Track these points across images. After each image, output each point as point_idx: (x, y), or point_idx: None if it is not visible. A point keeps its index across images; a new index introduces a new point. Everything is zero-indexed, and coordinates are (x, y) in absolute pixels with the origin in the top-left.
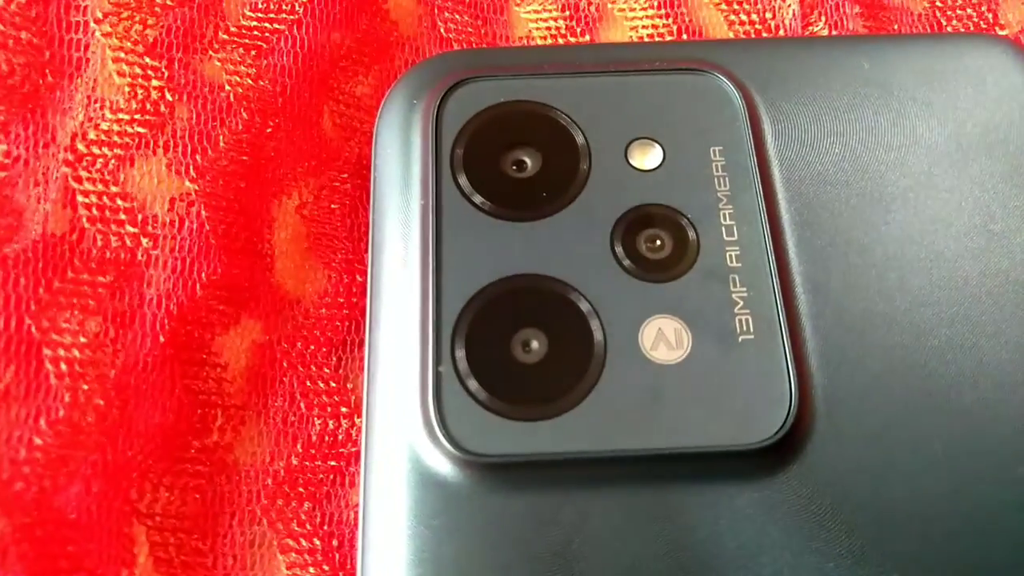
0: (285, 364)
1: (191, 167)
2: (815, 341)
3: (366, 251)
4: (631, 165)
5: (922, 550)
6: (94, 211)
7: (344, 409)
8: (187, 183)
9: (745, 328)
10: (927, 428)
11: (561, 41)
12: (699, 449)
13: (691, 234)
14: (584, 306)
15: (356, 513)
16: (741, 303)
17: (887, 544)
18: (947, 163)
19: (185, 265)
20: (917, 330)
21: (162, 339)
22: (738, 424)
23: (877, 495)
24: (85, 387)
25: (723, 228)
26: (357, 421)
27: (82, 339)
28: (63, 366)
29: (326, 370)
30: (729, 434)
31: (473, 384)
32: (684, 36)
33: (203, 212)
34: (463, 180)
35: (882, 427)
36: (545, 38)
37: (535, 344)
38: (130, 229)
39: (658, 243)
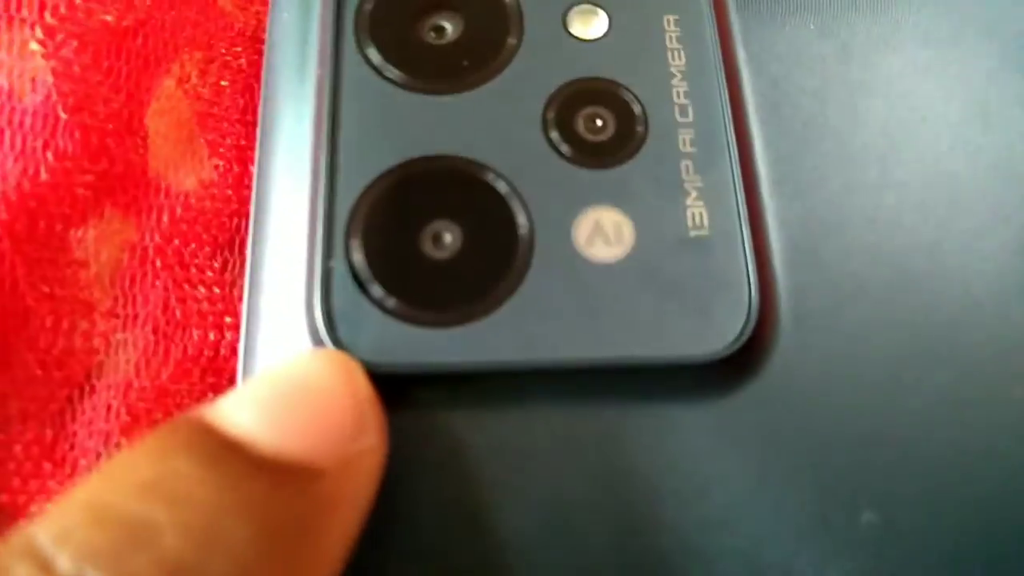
0: (158, 264)
1: (37, 25)
2: (780, 239)
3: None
4: (570, 33)
5: (896, 481)
6: None
7: (228, 319)
8: (33, 44)
9: (698, 222)
10: (907, 342)
11: None
12: (640, 361)
13: (638, 113)
14: (507, 193)
15: None
16: (695, 193)
17: (857, 475)
18: (937, 44)
19: (27, 142)
20: (899, 230)
21: None
22: (687, 333)
23: (848, 419)
24: None
25: (676, 107)
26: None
27: None
28: None
29: (208, 273)
30: (677, 344)
31: (371, 282)
32: None
33: (50, 77)
34: (369, 47)
35: (856, 341)
36: None
37: (448, 237)
38: None
39: (599, 123)
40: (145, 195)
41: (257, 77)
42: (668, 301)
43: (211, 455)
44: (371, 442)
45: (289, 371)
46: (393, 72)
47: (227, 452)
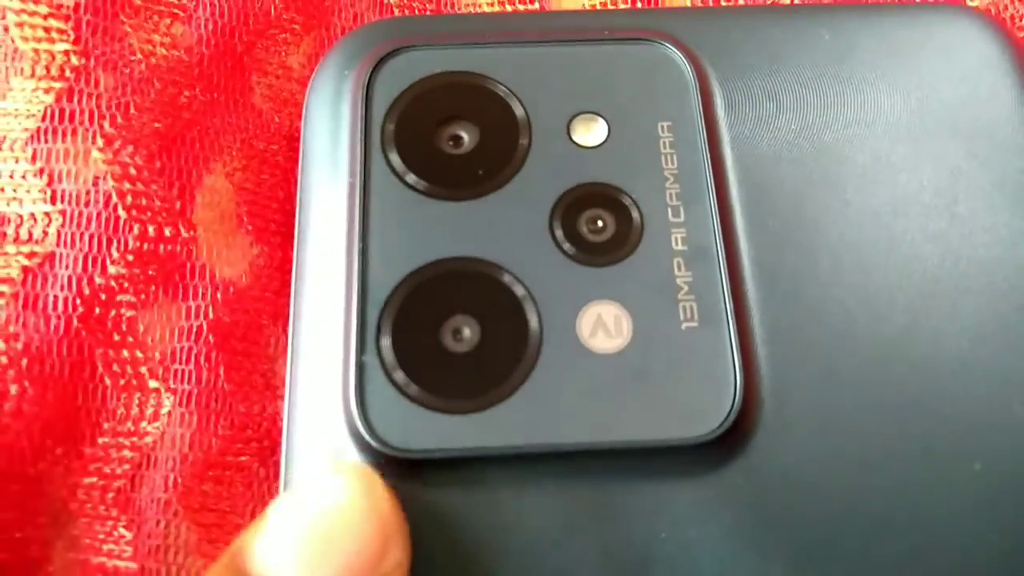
0: (211, 340)
1: (98, 135)
2: (763, 329)
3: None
4: (573, 141)
5: (871, 552)
6: (8, 191)
7: (280, 390)
8: (94, 152)
9: (689, 315)
10: (880, 422)
11: (510, 8)
12: (637, 444)
13: (635, 215)
14: (519, 291)
15: None
16: (686, 288)
17: (834, 546)
18: (910, 141)
19: (94, 241)
20: (873, 317)
21: (75, 322)
22: (679, 417)
23: (825, 494)
24: None
25: (669, 209)
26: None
27: None
28: None
29: (255, 349)
30: (670, 427)
31: (399, 375)
32: (639, 4)
33: (110, 181)
34: (394, 157)
35: (833, 421)
36: (493, 5)
37: (467, 332)
38: (43, 207)
39: (600, 224)
40: (197, 279)
41: (294, 171)
42: (662, 388)
43: None
44: (398, 557)
45: (317, 503)
46: (414, 179)
47: None
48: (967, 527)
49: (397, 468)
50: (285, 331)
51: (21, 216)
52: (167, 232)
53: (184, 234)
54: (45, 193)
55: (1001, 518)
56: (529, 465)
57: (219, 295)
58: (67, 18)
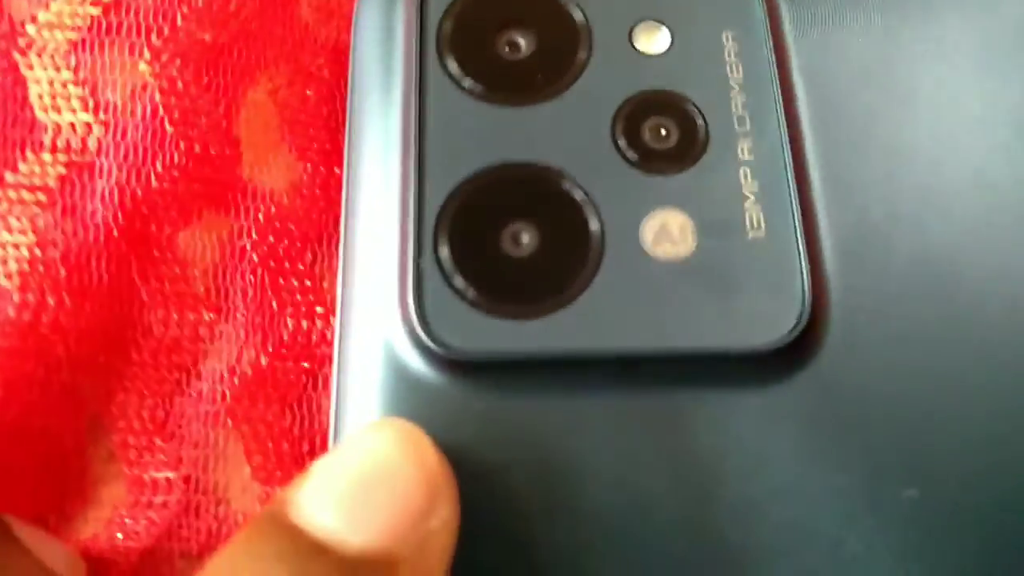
0: (255, 259)
1: (144, 48)
2: (833, 241)
3: (344, 141)
4: (636, 48)
5: (941, 466)
6: (46, 99)
7: (319, 309)
8: (141, 65)
9: (756, 224)
10: (951, 337)
11: None
12: (701, 351)
13: (700, 123)
14: (580, 197)
15: (328, 418)
16: (752, 197)
17: (903, 460)
18: (983, 58)
19: (138, 154)
20: (946, 235)
21: (116, 233)
22: (745, 326)
23: (894, 408)
24: (34, 285)
25: (735, 118)
26: (332, 321)
27: (31, 236)
28: (12, 264)
29: (300, 266)
30: (735, 336)
31: (457, 278)
32: None
33: (157, 95)
34: (450, 61)
35: (903, 335)
36: None
37: (526, 237)
38: (83, 117)
39: (663, 132)
40: (240, 197)
41: (339, 86)
42: (727, 297)
43: (303, 562)
44: (445, 515)
45: (362, 458)
46: (472, 84)
47: (316, 556)
48: None
49: (457, 371)
50: (329, 250)
51: (59, 124)
52: (212, 149)
53: (228, 151)
54: (87, 103)
55: None
56: (589, 371)
57: (261, 214)
58: None
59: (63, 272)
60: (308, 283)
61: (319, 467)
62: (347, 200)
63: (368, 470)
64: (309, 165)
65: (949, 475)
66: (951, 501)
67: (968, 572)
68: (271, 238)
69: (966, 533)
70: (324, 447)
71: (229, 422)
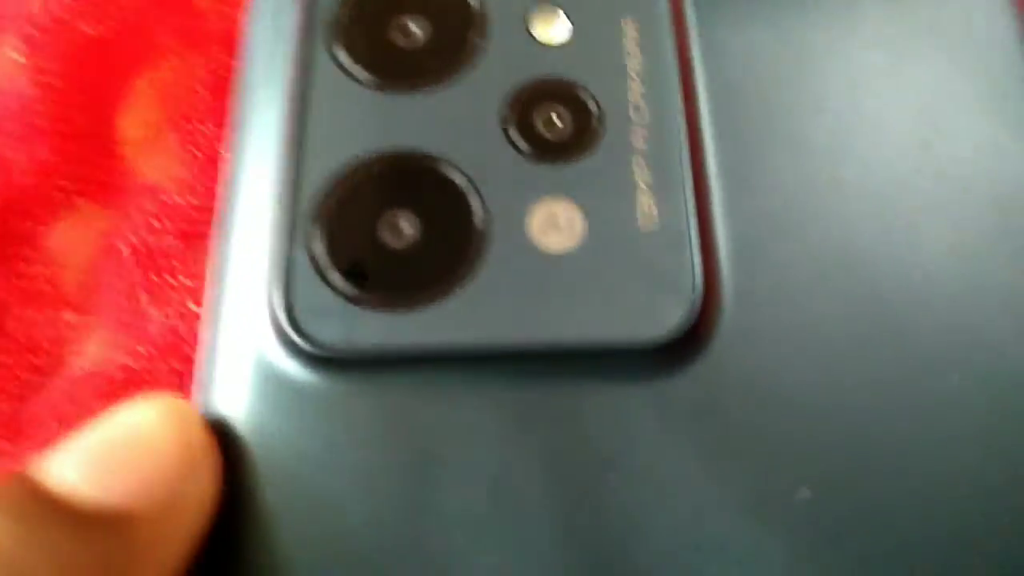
0: (126, 254)
1: (20, 38)
2: (728, 233)
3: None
4: (531, 35)
5: (834, 465)
6: None
7: (192, 306)
8: (12, 53)
9: (648, 215)
10: (846, 331)
11: None
12: (587, 345)
13: (593, 111)
14: (463, 185)
15: None
16: (644, 187)
17: (793, 458)
18: (891, 51)
19: (6, 149)
20: (844, 227)
21: None
22: (633, 318)
23: (786, 404)
24: None
25: (631, 107)
26: None
27: None
28: None
29: (174, 263)
30: (622, 329)
31: (331, 272)
32: None
33: (27, 90)
34: (339, 49)
35: (797, 330)
36: None
37: (405, 227)
38: None
39: (555, 120)
40: (117, 190)
41: (227, 79)
42: (616, 289)
43: (22, 510)
44: (200, 486)
45: (119, 421)
46: (361, 72)
47: (50, 509)
48: (940, 443)
49: (331, 370)
50: (208, 245)
51: None
52: (89, 143)
53: (108, 146)
54: None
55: (974, 434)
56: (473, 366)
57: (140, 210)
58: None
59: None
60: (183, 279)
61: (74, 433)
62: (225, 192)
63: (120, 433)
64: (192, 159)
65: (840, 475)
66: (844, 502)
67: None
68: (144, 232)
69: (859, 537)
70: None
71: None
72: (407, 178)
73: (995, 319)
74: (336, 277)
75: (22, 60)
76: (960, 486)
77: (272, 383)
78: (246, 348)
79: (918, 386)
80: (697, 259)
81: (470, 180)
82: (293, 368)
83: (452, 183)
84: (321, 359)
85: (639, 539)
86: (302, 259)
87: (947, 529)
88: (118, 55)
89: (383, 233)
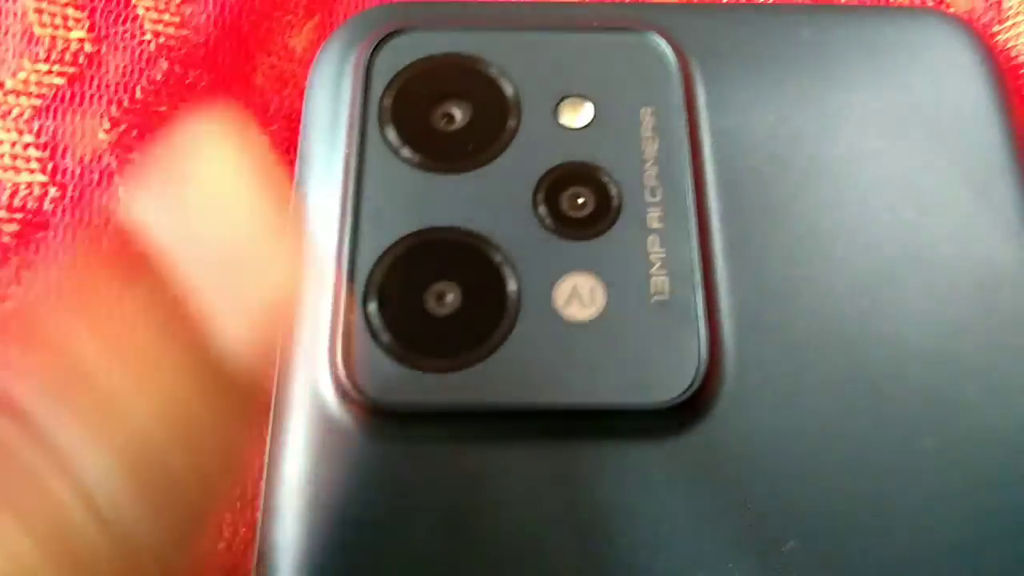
0: None
1: (105, 118)
2: (731, 306)
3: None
4: (560, 122)
5: (821, 519)
6: (7, 159)
7: None
8: (100, 134)
9: (660, 289)
10: (838, 398)
11: None
12: (603, 406)
13: (614, 193)
14: (499, 260)
15: (262, 461)
16: (659, 264)
17: (785, 512)
18: (881, 138)
19: (92, 217)
20: (837, 300)
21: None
22: (646, 383)
23: (780, 463)
24: None
25: (647, 189)
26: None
27: None
28: None
29: None
30: (636, 393)
31: (383, 333)
32: None
33: (113, 164)
34: (389, 131)
35: (792, 395)
36: None
37: (449, 296)
38: (40, 178)
39: (580, 201)
40: None
41: (288, 152)
42: (630, 356)
43: None
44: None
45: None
46: (409, 153)
47: None
48: (917, 497)
49: (381, 421)
50: None
51: (17, 184)
52: None
53: None
54: (45, 165)
55: (949, 489)
56: (503, 422)
57: None
58: (83, 7)
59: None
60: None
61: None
62: None
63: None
64: None
65: (826, 528)
66: (827, 553)
67: None
68: None
69: None
70: (257, 491)
71: None
72: (449, 252)
73: (970, 388)
74: (388, 339)
75: (109, 138)
76: (934, 541)
77: (332, 430)
78: (310, 399)
79: (897, 448)
80: (704, 331)
81: (504, 255)
82: (350, 418)
83: (489, 258)
84: (374, 411)
85: None
86: (360, 323)
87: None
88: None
89: (429, 302)
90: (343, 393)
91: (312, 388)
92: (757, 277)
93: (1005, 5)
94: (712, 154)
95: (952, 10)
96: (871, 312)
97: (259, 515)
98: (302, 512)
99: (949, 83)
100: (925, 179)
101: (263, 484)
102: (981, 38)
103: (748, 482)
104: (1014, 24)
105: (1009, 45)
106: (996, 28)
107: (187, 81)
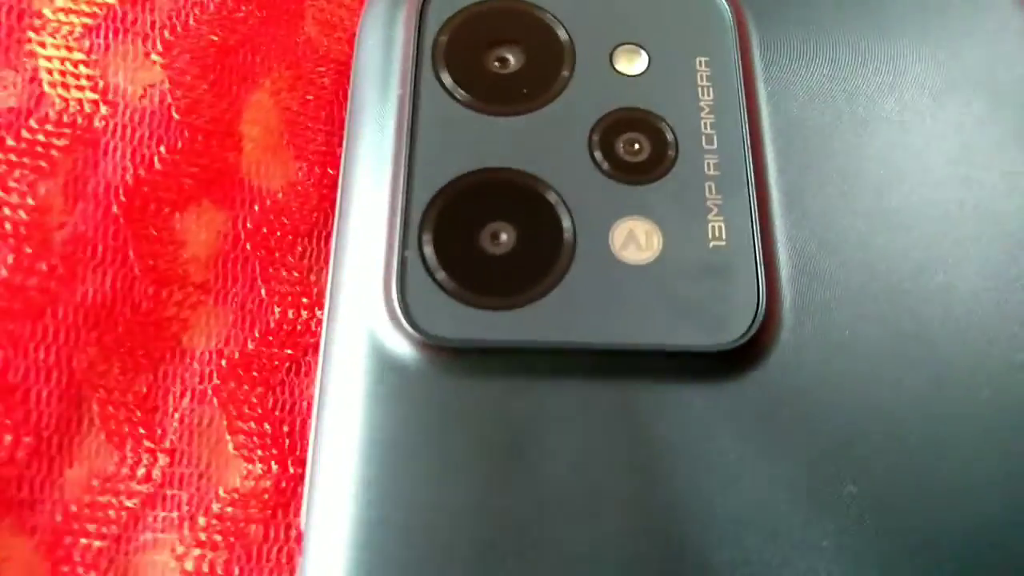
0: (248, 247)
1: (157, 41)
2: (787, 253)
3: (341, 144)
4: (615, 69)
5: (878, 464)
6: (55, 75)
7: (305, 299)
8: (153, 56)
9: (717, 235)
10: (894, 348)
11: None
12: (659, 347)
13: (670, 139)
14: (556, 202)
15: (309, 402)
16: (715, 210)
17: (841, 457)
18: (935, 91)
19: (144, 137)
20: (893, 251)
21: (115, 209)
22: (703, 327)
23: (836, 408)
24: (28, 250)
25: (703, 136)
26: (318, 313)
27: (30, 200)
28: (7, 226)
29: (290, 258)
30: (693, 335)
31: (438, 271)
32: None
33: (166, 84)
34: (443, 72)
35: (848, 343)
36: None
37: (503, 236)
38: (90, 95)
39: (636, 146)
40: (238, 190)
41: (337, 94)
42: (688, 300)
43: None
44: None
45: None
46: (462, 94)
47: None
48: (970, 449)
49: (436, 357)
50: (318, 245)
51: (67, 100)
52: (215, 142)
53: (230, 145)
54: (96, 84)
55: (1002, 443)
56: (558, 361)
57: (257, 206)
58: None
59: (58, 239)
60: (296, 274)
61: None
62: (341, 198)
63: None
64: (305, 165)
65: (883, 474)
66: (886, 496)
67: (897, 564)
68: (265, 230)
69: (898, 528)
70: (304, 429)
71: (215, 400)
72: (505, 193)
73: (1023, 340)
74: (443, 276)
75: (161, 60)
76: (987, 487)
77: (385, 365)
78: (363, 335)
79: (951, 398)
80: (761, 276)
81: (560, 197)
82: (404, 353)
83: (544, 199)
84: (429, 347)
85: (704, 521)
86: (415, 259)
87: (971, 525)
88: (240, 62)
89: (484, 241)
90: (401, 330)
91: (365, 324)
92: (812, 226)
93: None
94: (767, 104)
95: None
96: (925, 263)
97: (309, 451)
98: (354, 449)
99: (1003, 40)
100: (979, 134)
101: (313, 420)
102: None
103: (804, 427)
104: None
105: None
106: None
107: (239, 14)
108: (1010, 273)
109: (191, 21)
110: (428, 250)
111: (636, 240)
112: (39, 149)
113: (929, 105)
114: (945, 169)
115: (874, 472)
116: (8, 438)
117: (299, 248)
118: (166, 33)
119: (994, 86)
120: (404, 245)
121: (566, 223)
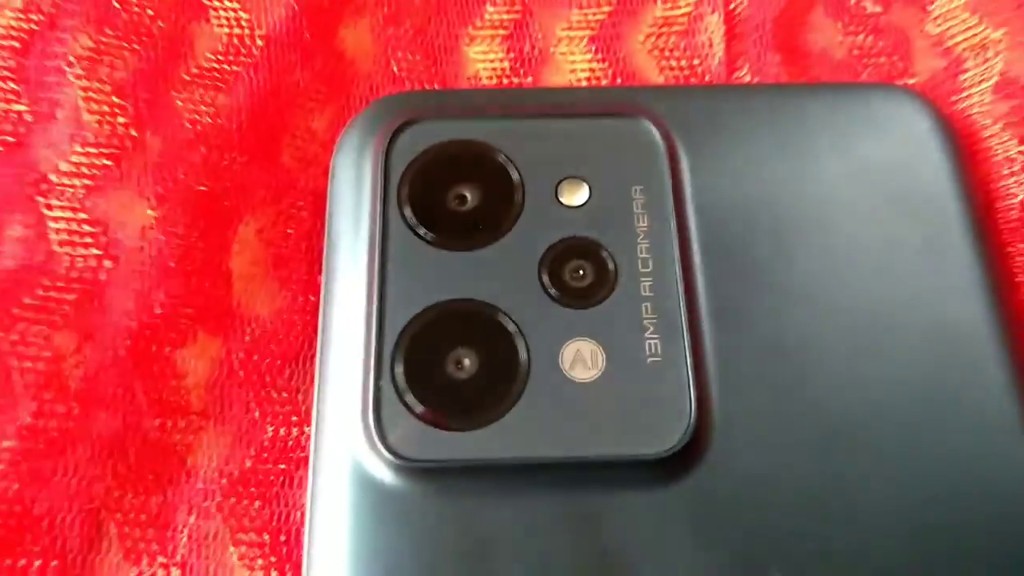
0: (241, 375)
1: (152, 196)
2: (716, 365)
3: (320, 274)
4: (560, 201)
5: (795, 548)
6: (63, 235)
7: (295, 417)
8: (148, 211)
9: (654, 351)
10: (814, 446)
11: (506, 81)
12: (606, 458)
13: (610, 265)
14: (512, 328)
15: (303, 512)
16: (651, 328)
17: (767, 549)
18: (851, 205)
19: (144, 285)
20: (813, 358)
21: (122, 353)
22: (643, 437)
23: (763, 506)
24: (48, 396)
25: (639, 260)
26: (306, 429)
27: (46, 353)
28: (30, 377)
29: (279, 381)
30: (635, 445)
31: (409, 397)
32: (619, 79)
33: (160, 236)
34: (408, 212)
35: (773, 444)
36: (491, 78)
37: (466, 362)
38: (95, 252)
39: (581, 272)
40: (229, 321)
41: (316, 226)
42: (629, 413)
43: None
44: None
45: None
46: (425, 231)
47: None
48: (890, 531)
49: (408, 475)
50: (303, 367)
51: (73, 258)
52: (207, 281)
53: (220, 282)
54: (99, 240)
55: (919, 533)
56: (517, 475)
57: (247, 336)
58: (127, 95)
59: (73, 384)
60: (285, 395)
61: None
62: (322, 328)
63: None
64: (289, 293)
65: (806, 559)
66: None
67: None
68: (255, 357)
69: None
70: (299, 537)
71: (219, 516)
72: (466, 323)
73: (934, 433)
74: (413, 400)
75: (155, 214)
76: (894, 555)
77: (365, 484)
78: (345, 457)
79: (870, 487)
80: (692, 388)
81: (516, 324)
82: (381, 473)
83: (502, 327)
84: (402, 468)
85: None
86: (388, 388)
87: None
88: (227, 207)
89: (449, 367)
90: (376, 451)
91: (347, 447)
92: (740, 336)
93: (960, 78)
94: (697, 225)
95: (913, 81)
96: (848, 366)
97: (304, 560)
98: (341, 559)
99: (909, 150)
100: (888, 242)
101: (305, 531)
102: (937, 108)
103: (734, 521)
104: (969, 95)
105: (966, 114)
106: (954, 98)
107: (223, 163)
108: (919, 375)
109: (180, 175)
110: (400, 378)
111: (583, 359)
112: (52, 306)
113: (846, 217)
114: (861, 277)
115: (797, 557)
116: (37, 563)
117: (287, 371)
118: (159, 188)
119: (905, 195)
120: (379, 375)
121: (521, 347)
